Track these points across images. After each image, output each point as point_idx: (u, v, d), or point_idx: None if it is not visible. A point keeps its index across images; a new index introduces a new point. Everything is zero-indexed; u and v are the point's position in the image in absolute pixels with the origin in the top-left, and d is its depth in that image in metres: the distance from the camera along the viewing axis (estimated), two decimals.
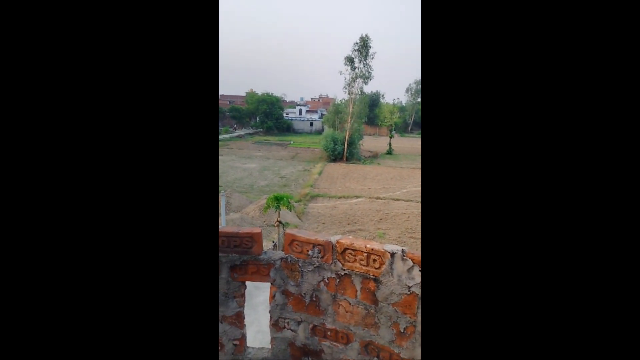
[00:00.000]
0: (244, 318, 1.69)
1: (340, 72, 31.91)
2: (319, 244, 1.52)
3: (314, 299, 1.58)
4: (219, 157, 27.93)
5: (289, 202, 10.22)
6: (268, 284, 1.67)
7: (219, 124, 51.06)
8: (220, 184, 18.96)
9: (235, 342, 1.68)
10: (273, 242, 9.74)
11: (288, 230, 1.61)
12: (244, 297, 1.68)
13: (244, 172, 22.72)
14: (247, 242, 1.61)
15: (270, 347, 1.71)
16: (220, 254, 1.61)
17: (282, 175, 22.28)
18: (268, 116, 49.16)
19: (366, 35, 30.18)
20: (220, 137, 41.84)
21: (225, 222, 8.68)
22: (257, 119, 50.71)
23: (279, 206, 9.83)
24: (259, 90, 54.20)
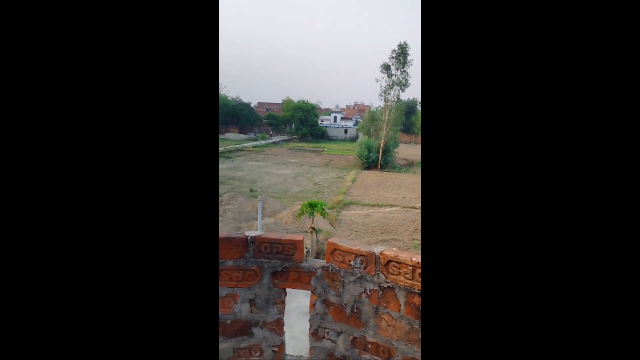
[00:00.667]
0: (283, 325, 1.70)
1: (377, 80, 31.76)
2: (361, 255, 1.50)
3: (355, 310, 1.55)
4: (255, 163, 28.84)
5: (323, 209, 10.25)
6: (301, 291, 1.67)
7: (256, 131, 52.51)
8: (255, 189, 19.41)
9: (274, 349, 1.68)
10: (306, 248, 9.80)
11: (330, 239, 1.61)
12: (284, 304, 1.68)
13: (278, 178, 23.11)
14: (289, 249, 1.62)
15: (308, 356, 1.70)
16: (262, 260, 1.63)
17: (315, 182, 22.42)
18: (303, 123, 49.86)
19: (404, 42, 29.93)
20: (256, 143, 43.00)
21: (261, 227, 8.86)
22: (293, 125, 51.55)
23: (312, 213, 9.88)
24: (295, 98, 55.18)
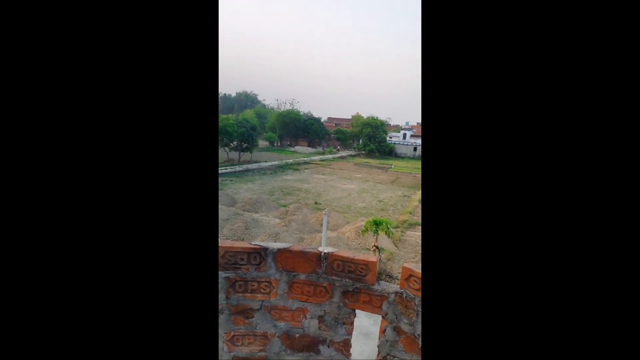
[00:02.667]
0: (350, 347, 1.66)
1: None
2: None
3: None
4: (321, 176, 29.34)
5: (388, 228, 9.97)
6: (361, 311, 1.62)
7: (324, 145, 53.64)
8: (320, 201, 19.70)
9: None
10: None
11: (406, 264, 1.54)
12: (353, 326, 1.65)
13: (342, 193, 23.18)
14: (362, 270, 1.59)
15: None
16: (334, 277, 1.63)
17: (380, 199, 22.01)
18: (371, 139, 49.67)
19: None
20: (323, 157, 43.88)
21: (325, 240, 8.94)
22: (360, 141, 51.66)
23: (377, 231, 9.67)
24: (365, 114, 55.40)
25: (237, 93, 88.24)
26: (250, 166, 31.08)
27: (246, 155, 35.65)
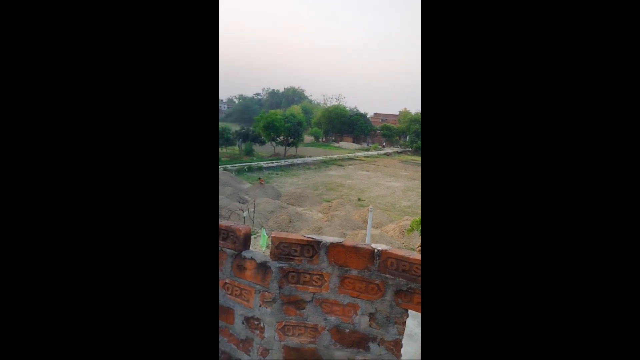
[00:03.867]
0: (401, 347, 1.62)
1: None
2: None
3: None
4: (365, 173, 29.12)
5: None
6: (416, 313, 1.56)
7: (369, 141, 53.07)
8: (363, 198, 19.56)
9: None
10: None
11: None
12: (405, 326, 1.61)
13: (387, 190, 22.81)
14: (417, 270, 1.54)
15: None
16: (387, 275, 1.59)
17: None
18: (419, 136, 48.21)
19: None
20: (368, 153, 43.45)
21: (370, 237, 8.85)
22: (407, 138, 50.38)
23: None
24: (413, 110, 53.89)
25: (285, 89, 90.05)
26: (295, 160, 31.65)
27: (292, 150, 36.32)
